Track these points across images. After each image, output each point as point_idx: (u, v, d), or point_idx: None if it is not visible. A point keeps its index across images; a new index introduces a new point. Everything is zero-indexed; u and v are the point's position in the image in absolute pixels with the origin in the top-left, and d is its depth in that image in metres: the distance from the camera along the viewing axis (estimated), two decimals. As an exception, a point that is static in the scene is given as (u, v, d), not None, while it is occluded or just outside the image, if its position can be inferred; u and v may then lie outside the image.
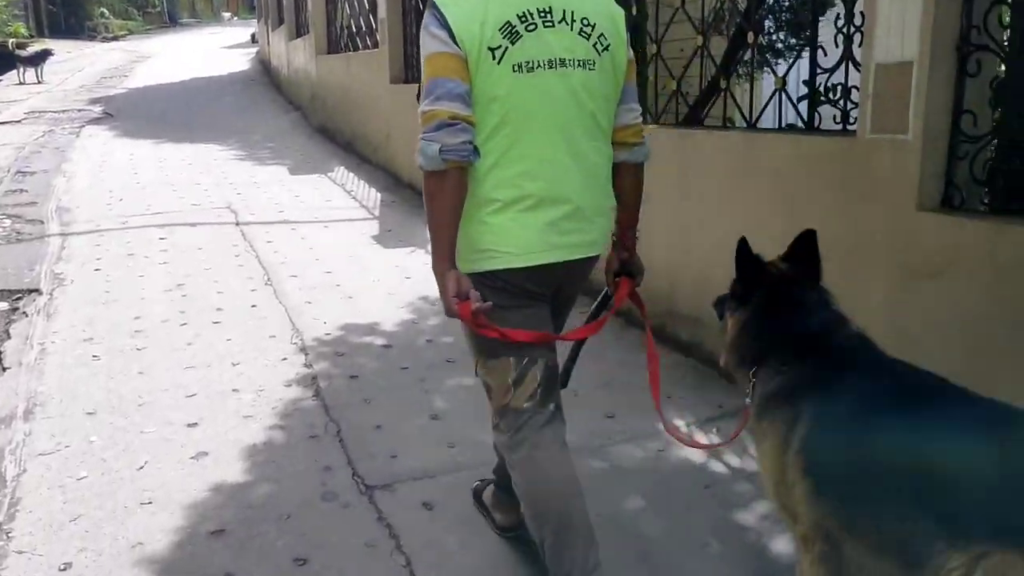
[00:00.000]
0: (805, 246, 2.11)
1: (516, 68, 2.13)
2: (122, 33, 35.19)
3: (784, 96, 3.76)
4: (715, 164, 3.95)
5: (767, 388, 2.04)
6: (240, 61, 21.84)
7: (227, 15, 47.60)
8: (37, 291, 5.32)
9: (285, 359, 4.26)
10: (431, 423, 3.60)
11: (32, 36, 27.52)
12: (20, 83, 19.92)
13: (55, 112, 14.36)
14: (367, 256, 5.93)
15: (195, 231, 6.77)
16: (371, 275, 5.57)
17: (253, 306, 5.00)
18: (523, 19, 2.14)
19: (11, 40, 20.06)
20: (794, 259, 2.13)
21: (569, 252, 2.28)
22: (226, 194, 8.15)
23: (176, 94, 16.65)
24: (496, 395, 2.38)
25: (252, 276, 5.58)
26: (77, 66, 23.04)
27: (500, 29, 2.11)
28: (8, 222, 7.11)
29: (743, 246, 2.10)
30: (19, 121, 13.42)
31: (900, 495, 1.67)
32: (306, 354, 4.31)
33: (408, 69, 8.12)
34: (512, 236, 2.22)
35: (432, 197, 2.14)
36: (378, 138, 8.98)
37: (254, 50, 23.44)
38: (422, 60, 2.18)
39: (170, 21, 42.09)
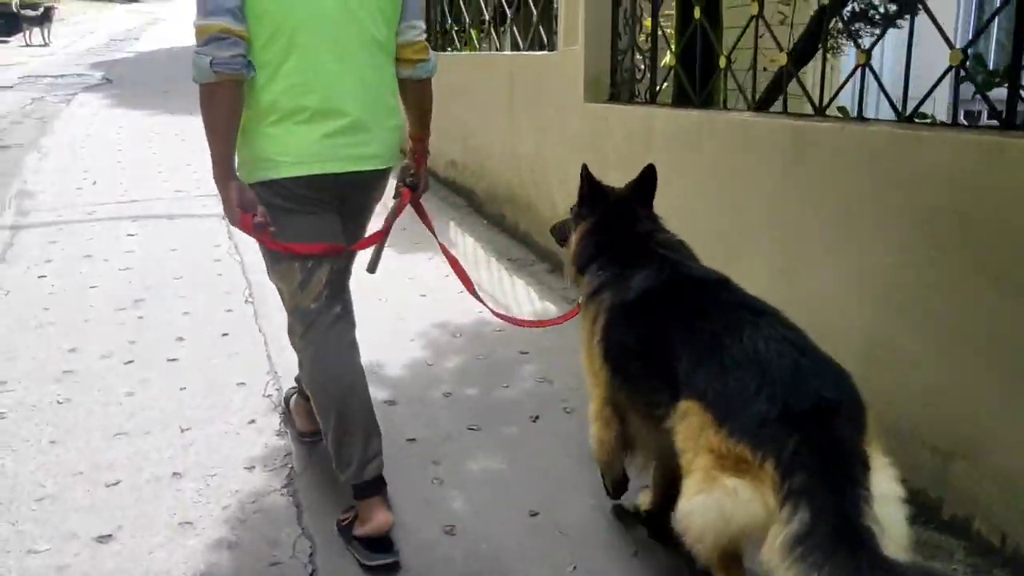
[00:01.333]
0: (647, 177, 2.47)
1: None
2: (143, -6, 34.05)
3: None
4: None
5: (589, 287, 2.35)
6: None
7: None
8: (-40, 305, 4.27)
9: (252, 421, 3.17)
10: (444, 539, 2.51)
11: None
12: (26, 44, 18.93)
13: (52, 77, 13.33)
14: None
15: (172, 226, 5.66)
16: (376, 290, 4.46)
17: (224, 334, 3.90)
18: None
19: (15, 0, 19.02)
20: (637, 188, 2.48)
21: (346, 164, 2.35)
22: (218, 177, 7.00)
23: (184, 59, 15.49)
24: (286, 297, 2.51)
25: (231, 290, 4.47)
26: (89, 28, 22.03)
27: None
28: (-40, 210, 6.07)
29: (586, 171, 2.46)
30: (11, 87, 12.40)
31: (649, 368, 2.09)
32: (281, 414, 3.22)
33: (432, 36, 6.95)
34: (289, 146, 2.30)
35: (207, 109, 2.21)
36: (395, 114, 7.84)
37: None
38: None
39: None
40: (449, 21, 6.69)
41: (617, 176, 2.63)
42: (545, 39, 5.04)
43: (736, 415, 1.78)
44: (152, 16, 24.75)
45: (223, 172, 2.24)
